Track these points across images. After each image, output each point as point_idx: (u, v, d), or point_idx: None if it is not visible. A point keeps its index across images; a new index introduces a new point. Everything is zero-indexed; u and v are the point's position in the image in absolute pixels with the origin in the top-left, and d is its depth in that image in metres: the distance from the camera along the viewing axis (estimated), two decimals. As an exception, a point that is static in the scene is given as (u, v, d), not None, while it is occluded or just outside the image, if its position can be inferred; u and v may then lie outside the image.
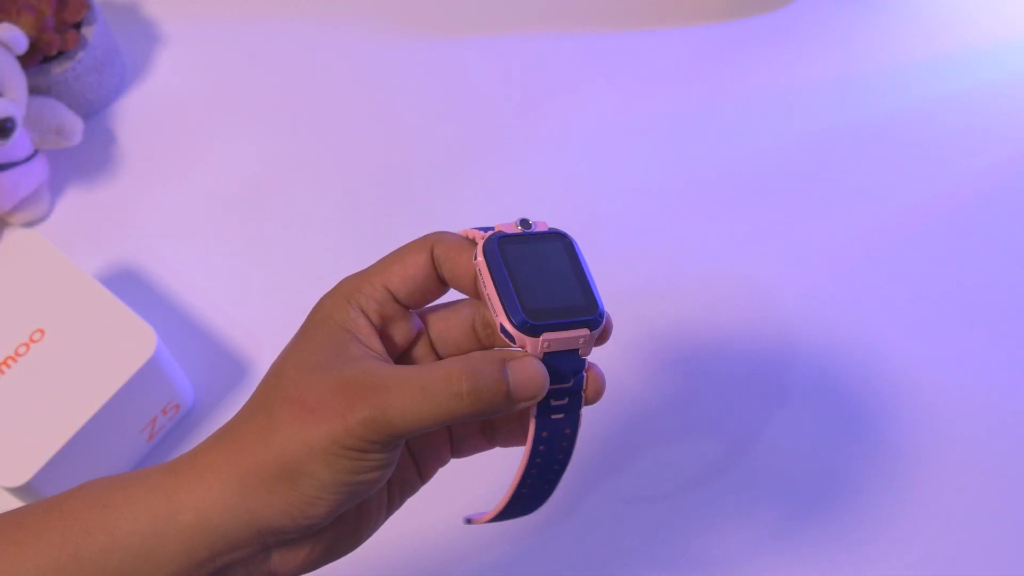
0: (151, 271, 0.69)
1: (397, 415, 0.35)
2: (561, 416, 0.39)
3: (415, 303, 0.40)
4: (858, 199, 0.73)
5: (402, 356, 0.41)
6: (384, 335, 0.40)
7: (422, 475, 0.42)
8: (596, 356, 0.39)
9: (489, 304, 0.37)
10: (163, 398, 0.61)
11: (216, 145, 0.74)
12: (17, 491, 0.56)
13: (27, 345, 0.58)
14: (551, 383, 0.37)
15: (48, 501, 0.38)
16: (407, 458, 0.42)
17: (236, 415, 0.39)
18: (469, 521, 0.44)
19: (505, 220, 0.40)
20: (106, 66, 0.72)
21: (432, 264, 0.39)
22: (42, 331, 0.58)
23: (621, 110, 0.76)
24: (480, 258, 0.38)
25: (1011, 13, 0.81)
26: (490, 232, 0.38)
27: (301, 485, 0.36)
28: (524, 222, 0.39)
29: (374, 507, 0.40)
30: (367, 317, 0.39)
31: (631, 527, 0.62)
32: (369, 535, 0.41)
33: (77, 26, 0.70)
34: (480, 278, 0.38)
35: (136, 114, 0.75)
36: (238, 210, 0.71)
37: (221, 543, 0.36)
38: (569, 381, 0.38)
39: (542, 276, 0.38)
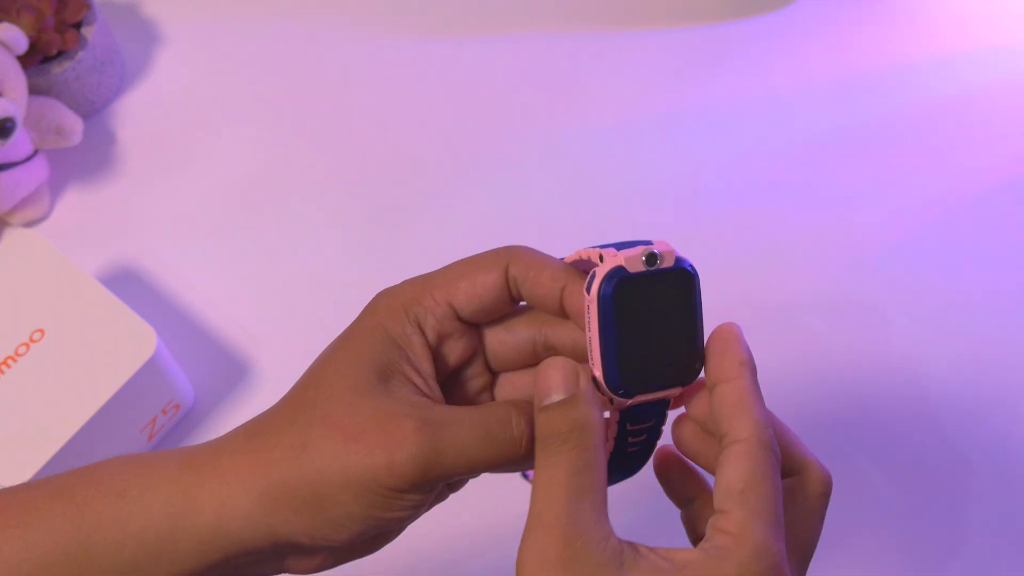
0: (151, 271, 0.69)
1: (452, 457, 0.34)
2: (637, 448, 0.38)
3: (479, 321, 0.38)
4: (858, 199, 0.73)
5: (454, 372, 0.39)
6: (437, 353, 0.37)
7: (452, 486, 0.40)
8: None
9: (588, 346, 0.35)
10: (163, 398, 0.61)
11: (216, 145, 0.74)
12: (17, 491, 0.56)
13: (27, 345, 0.58)
14: (632, 424, 0.36)
15: (58, 482, 0.36)
16: None
17: (268, 415, 0.37)
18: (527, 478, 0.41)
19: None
20: (106, 66, 0.72)
21: (505, 283, 0.37)
22: (42, 331, 0.58)
23: (620, 110, 0.76)
24: (593, 296, 0.34)
25: (1011, 13, 0.81)
26: (610, 266, 0.34)
27: (328, 511, 0.34)
28: (651, 258, 0.35)
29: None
30: (423, 334, 0.37)
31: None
32: (387, 543, 0.39)
33: (77, 26, 0.70)
34: (587, 316, 0.35)
35: (136, 114, 0.75)
36: (238, 210, 0.71)
37: (236, 548, 0.35)
38: (651, 421, 0.37)
39: (651, 327, 0.35)
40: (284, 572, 0.38)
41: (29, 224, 0.70)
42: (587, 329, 0.35)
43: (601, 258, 0.35)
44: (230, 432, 0.37)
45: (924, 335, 0.68)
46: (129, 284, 0.68)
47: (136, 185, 0.72)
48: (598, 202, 0.72)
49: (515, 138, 0.74)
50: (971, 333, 0.69)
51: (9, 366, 0.57)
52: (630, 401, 0.35)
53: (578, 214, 0.71)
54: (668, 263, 0.35)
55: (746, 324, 0.63)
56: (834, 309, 0.69)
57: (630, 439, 0.37)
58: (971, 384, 0.67)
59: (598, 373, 0.35)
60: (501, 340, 0.39)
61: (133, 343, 0.58)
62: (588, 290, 0.35)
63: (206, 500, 0.35)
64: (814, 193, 0.73)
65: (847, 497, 0.63)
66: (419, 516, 0.37)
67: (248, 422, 0.37)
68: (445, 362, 0.38)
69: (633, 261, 0.34)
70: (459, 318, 0.37)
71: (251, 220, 0.71)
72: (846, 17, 0.80)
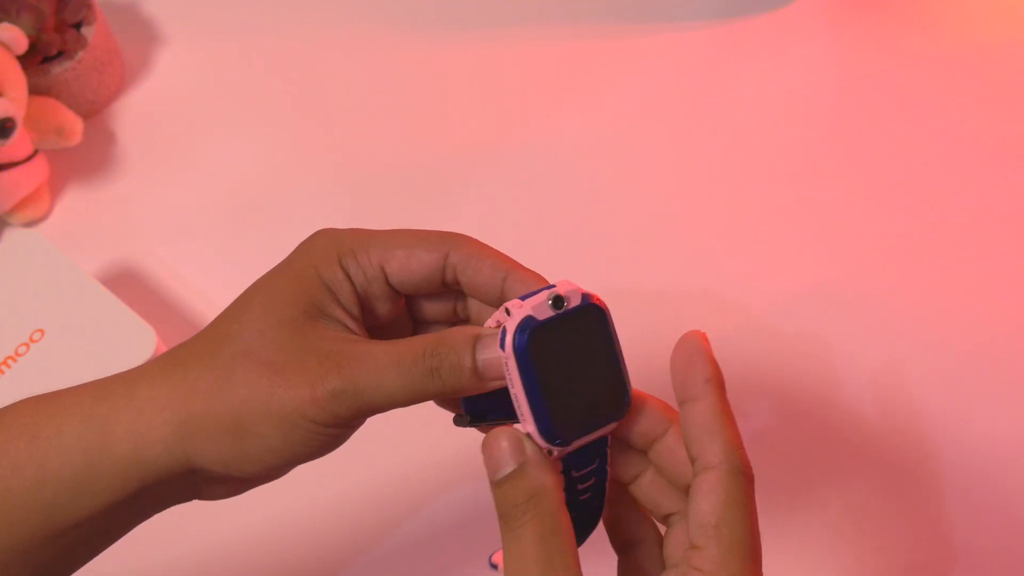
0: (151, 271, 0.69)
1: (370, 389, 0.34)
2: (588, 495, 0.37)
3: (406, 292, 0.38)
4: (857, 200, 0.73)
5: (381, 328, 0.39)
6: (365, 307, 0.38)
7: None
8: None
9: (515, 403, 0.34)
10: (163, 398, 0.61)
11: (216, 145, 0.74)
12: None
13: (27, 345, 0.58)
14: (576, 470, 0.36)
15: None
16: None
17: (187, 348, 0.37)
18: (495, 567, 0.40)
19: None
20: (106, 66, 0.72)
21: (442, 267, 0.37)
22: (42, 331, 0.58)
23: (619, 110, 0.76)
24: (508, 351, 0.34)
25: (1011, 13, 0.81)
26: (520, 317, 0.34)
27: (247, 443, 0.34)
28: (557, 301, 0.34)
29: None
30: (352, 283, 0.37)
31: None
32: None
33: (77, 26, 0.70)
34: (507, 373, 0.34)
35: (136, 114, 0.75)
36: (238, 210, 0.71)
37: (153, 476, 0.35)
38: (595, 463, 0.36)
39: (573, 369, 0.35)
40: (198, 499, 0.38)
41: (29, 224, 0.70)
42: (510, 386, 0.34)
43: (508, 312, 0.34)
44: (146, 363, 0.37)
45: (920, 335, 0.68)
46: (129, 284, 0.68)
47: (136, 185, 0.72)
48: (598, 202, 0.72)
49: (515, 138, 0.74)
50: (969, 334, 0.69)
51: (9, 366, 0.58)
52: (569, 449, 0.35)
53: (578, 214, 0.71)
54: (575, 302, 0.35)
55: (742, 324, 0.62)
56: (831, 308, 0.69)
57: (579, 486, 0.36)
58: (949, 389, 0.67)
59: (531, 428, 0.34)
60: (424, 303, 0.40)
61: (133, 343, 0.58)
62: (502, 346, 0.34)
63: (123, 431, 0.35)
64: (812, 193, 0.73)
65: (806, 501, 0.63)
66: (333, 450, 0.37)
67: (165, 354, 0.37)
68: (372, 316, 0.38)
69: (540, 308, 0.34)
70: (388, 283, 0.38)
71: (251, 220, 0.71)
72: (846, 17, 0.80)
